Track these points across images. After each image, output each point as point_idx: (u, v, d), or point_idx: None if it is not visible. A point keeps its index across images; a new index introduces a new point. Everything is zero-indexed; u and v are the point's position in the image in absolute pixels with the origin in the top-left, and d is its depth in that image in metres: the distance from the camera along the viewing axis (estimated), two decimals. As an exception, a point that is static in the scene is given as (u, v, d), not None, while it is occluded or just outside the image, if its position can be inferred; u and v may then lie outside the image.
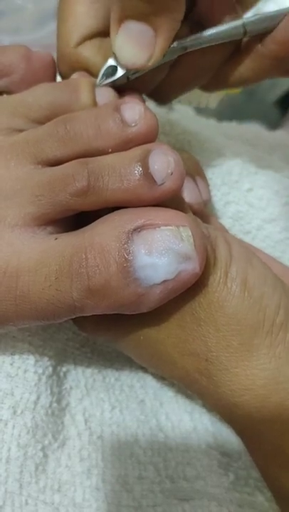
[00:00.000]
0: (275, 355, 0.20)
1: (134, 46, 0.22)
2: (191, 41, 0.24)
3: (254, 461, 0.22)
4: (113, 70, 0.24)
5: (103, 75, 0.25)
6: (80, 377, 0.27)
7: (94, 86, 0.25)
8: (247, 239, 0.33)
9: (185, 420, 0.28)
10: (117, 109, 0.22)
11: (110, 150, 0.21)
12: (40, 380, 0.24)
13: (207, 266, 0.20)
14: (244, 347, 0.20)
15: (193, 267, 0.19)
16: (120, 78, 0.24)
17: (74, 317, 0.20)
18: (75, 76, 0.26)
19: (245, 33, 0.25)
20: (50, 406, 0.25)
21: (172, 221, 0.19)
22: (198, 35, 0.25)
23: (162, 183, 0.20)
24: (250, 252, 0.22)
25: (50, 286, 0.19)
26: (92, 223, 0.21)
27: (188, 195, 0.26)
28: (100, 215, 0.21)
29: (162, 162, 0.20)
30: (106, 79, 0.25)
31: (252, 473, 0.26)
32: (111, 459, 0.25)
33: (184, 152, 0.29)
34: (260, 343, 0.20)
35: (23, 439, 0.23)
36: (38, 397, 0.24)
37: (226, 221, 0.33)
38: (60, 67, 0.27)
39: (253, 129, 0.41)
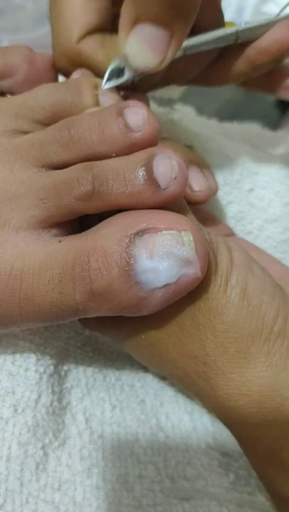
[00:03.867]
0: (272, 363, 0.20)
1: (149, 49, 0.22)
2: (191, 44, 0.25)
3: (250, 463, 0.22)
4: (119, 71, 0.24)
5: (109, 75, 0.25)
6: (80, 377, 0.27)
7: (96, 86, 0.25)
8: (249, 239, 0.33)
9: (185, 420, 0.28)
10: (120, 113, 0.22)
11: (114, 154, 0.21)
12: (41, 378, 0.24)
13: (208, 272, 0.20)
14: (241, 354, 0.20)
15: (194, 271, 0.19)
16: (127, 81, 0.25)
17: (77, 318, 0.20)
18: (76, 75, 0.26)
19: (236, 39, 0.27)
20: (51, 405, 0.25)
21: (174, 225, 0.19)
22: (196, 38, 0.25)
23: (166, 188, 0.20)
24: (251, 259, 0.22)
25: (54, 289, 0.19)
26: (95, 226, 0.21)
27: (197, 184, 0.27)
28: (104, 216, 0.21)
29: (166, 166, 0.20)
30: (111, 80, 0.25)
31: (252, 472, 0.26)
32: (111, 458, 0.25)
33: (189, 147, 0.29)
34: (257, 352, 0.20)
35: (23, 438, 0.23)
36: (39, 396, 0.24)
37: (228, 221, 0.33)
38: (59, 62, 0.27)
39: (255, 128, 0.41)
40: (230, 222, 0.33)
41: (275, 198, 0.33)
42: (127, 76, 0.24)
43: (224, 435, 0.27)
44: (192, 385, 0.22)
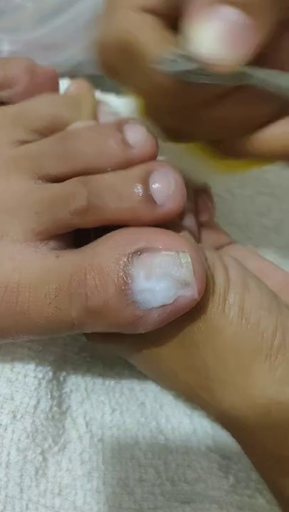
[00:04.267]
0: (276, 378, 0.20)
1: (225, 38, 0.18)
2: (265, 76, 0.19)
3: (253, 465, 0.22)
4: (181, 58, 0.19)
5: (167, 57, 0.19)
6: (79, 381, 0.27)
7: (95, 100, 0.25)
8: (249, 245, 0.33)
9: (185, 423, 0.28)
10: (119, 129, 0.21)
11: (110, 169, 0.21)
12: (40, 384, 0.25)
13: (206, 292, 0.20)
14: (243, 371, 0.20)
15: (191, 293, 0.19)
16: (189, 72, 0.19)
17: (73, 333, 0.20)
18: (75, 85, 0.26)
19: None
20: (51, 410, 0.25)
21: (172, 246, 0.19)
22: (272, 72, 0.20)
23: (162, 205, 0.20)
24: (247, 274, 0.22)
25: (50, 303, 0.19)
26: (93, 242, 0.21)
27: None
28: (103, 229, 0.21)
29: (163, 183, 0.20)
30: (170, 66, 0.19)
31: (252, 475, 0.26)
32: (112, 461, 0.25)
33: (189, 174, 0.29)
34: (259, 368, 0.20)
35: (22, 444, 0.23)
36: (38, 402, 0.24)
37: (227, 228, 0.33)
38: (108, 37, 0.21)
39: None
40: (231, 229, 0.33)
41: (275, 204, 0.33)
42: (190, 65, 0.18)
43: (224, 438, 0.27)
44: (196, 397, 0.22)
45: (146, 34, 0.20)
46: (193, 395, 0.22)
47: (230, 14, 0.17)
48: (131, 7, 0.20)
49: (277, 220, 0.33)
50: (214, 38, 0.18)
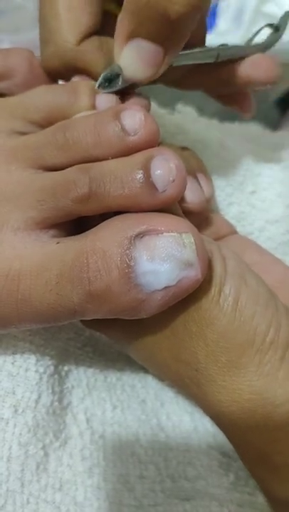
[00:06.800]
0: (263, 373, 0.20)
1: (142, 64, 0.22)
2: (179, 58, 0.26)
3: (244, 465, 0.22)
4: (113, 76, 0.24)
5: (103, 79, 0.24)
6: (81, 377, 0.27)
7: (94, 89, 0.25)
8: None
9: (186, 420, 0.28)
10: (116, 116, 0.21)
11: (110, 158, 0.21)
12: (41, 379, 0.24)
13: (202, 281, 0.20)
14: (232, 364, 0.20)
15: (195, 273, 0.19)
16: (120, 87, 0.24)
17: (74, 320, 0.20)
18: (75, 79, 0.26)
19: (217, 57, 0.28)
20: (52, 405, 0.25)
21: (175, 227, 0.19)
22: (183, 53, 0.26)
23: (164, 191, 0.20)
24: (245, 268, 0.22)
25: (51, 290, 0.19)
26: (94, 228, 0.20)
27: (190, 194, 0.26)
28: (103, 217, 0.21)
29: (164, 169, 0.20)
30: (106, 86, 0.25)
31: (252, 473, 0.26)
32: (112, 458, 0.25)
33: (186, 149, 0.29)
34: (248, 362, 0.20)
35: (24, 438, 0.23)
36: (39, 396, 0.24)
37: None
38: (52, 63, 0.26)
39: (255, 129, 0.41)
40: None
41: (277, 199, 0.33)
42: (120, 85, 0.24)
43: (224, 435, 0.27)
44: (186, 388, 0.22)
45: (92, 62, 0.25)
46: (183, 385, 0.22)
47: (142, 44, 0.22)
48: (77, 39, 0.25)
49: (279, 215, 0.33)
50: (131, 61, 0.22)
